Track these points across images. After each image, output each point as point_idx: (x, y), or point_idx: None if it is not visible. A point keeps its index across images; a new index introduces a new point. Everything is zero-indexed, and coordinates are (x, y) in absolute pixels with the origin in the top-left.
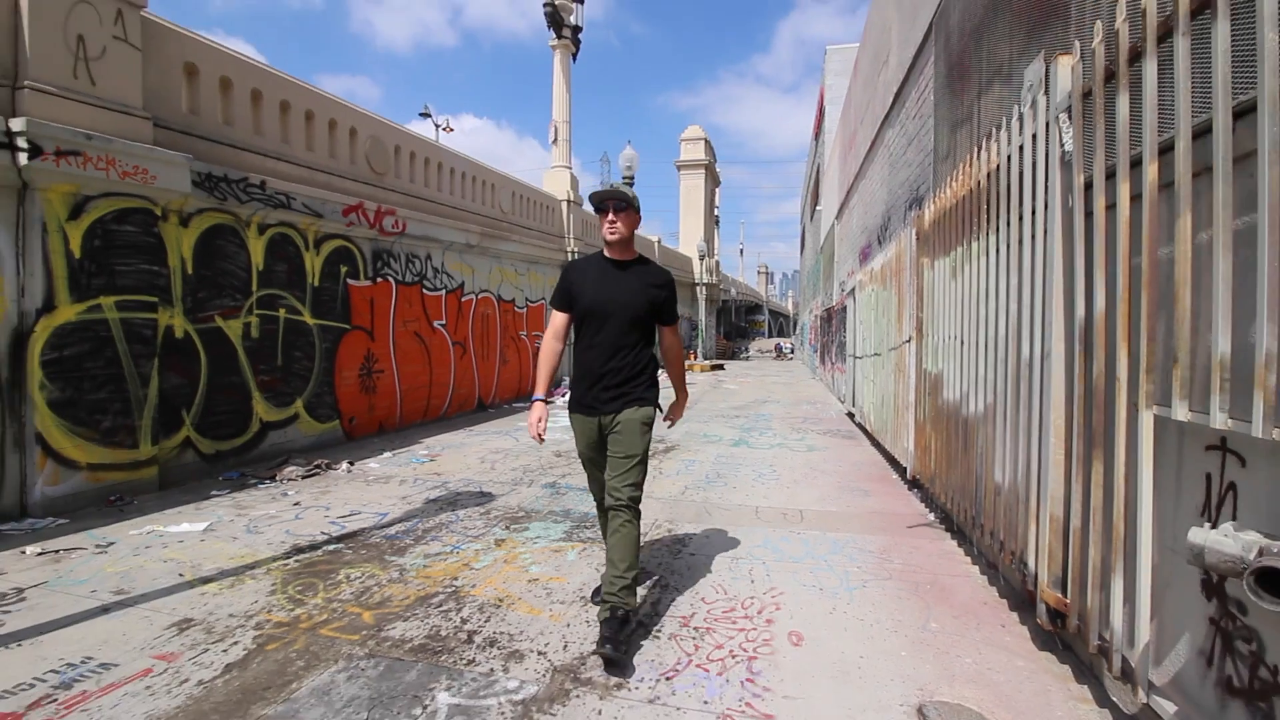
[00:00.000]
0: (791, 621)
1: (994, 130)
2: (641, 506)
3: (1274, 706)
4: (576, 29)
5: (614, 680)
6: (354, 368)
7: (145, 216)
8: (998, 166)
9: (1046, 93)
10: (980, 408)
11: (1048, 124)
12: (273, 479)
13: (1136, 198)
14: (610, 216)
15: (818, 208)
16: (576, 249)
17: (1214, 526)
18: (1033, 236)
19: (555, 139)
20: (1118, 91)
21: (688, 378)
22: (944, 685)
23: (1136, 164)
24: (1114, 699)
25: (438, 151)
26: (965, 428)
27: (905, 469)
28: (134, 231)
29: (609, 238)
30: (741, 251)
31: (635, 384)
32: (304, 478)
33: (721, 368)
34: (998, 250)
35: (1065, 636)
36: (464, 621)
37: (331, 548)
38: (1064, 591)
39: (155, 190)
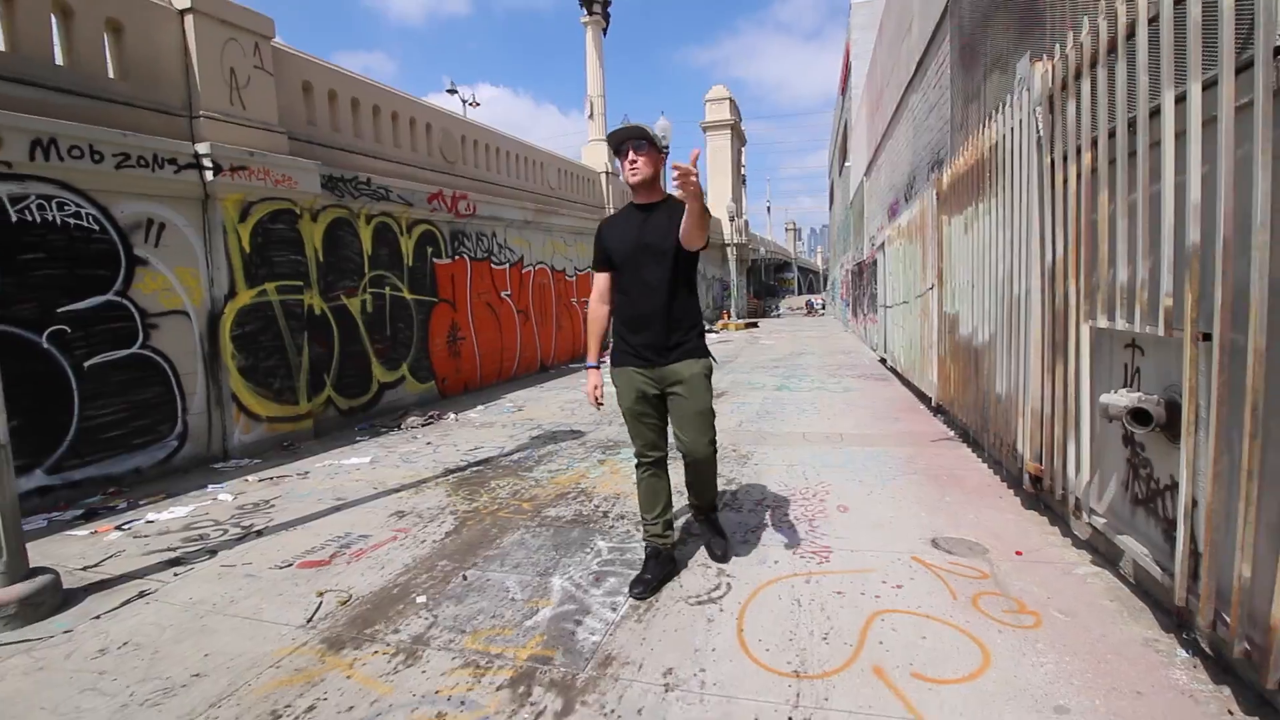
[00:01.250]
0: (838, 500)
1: (995, 111)
2: None
3: (1155, 504)
4: (606, 4)
5: (725, 601)
6: (443, 335)
7: (290, 215)
8: (996, 143)
9: (1029, 89)
10: (986, 337)
11: (1029, 113)
12: (398, 427)
13: (1079, 176)
14: (630, 156)
15: (846, 163)
16: None
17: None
18: (1020, 201)
19: (591, 113)
20: (1069, 98)
21: (724, 335)
22: (951, 529)
23: (1080, 152)
24: (1075, 533)
25: (495, 137)
26: (976, 356)
27: (930, 399)
28: (283, 228)
29: (630, 179)
30: (769, 209)
31: (687, 333)
32: (423, 425)
33: (755, 325)
34: (997, 210)
35: (1045, 498)
36: (597, 507)
37: (474, 469)
38: (1040, 462)
39: (296, 193)
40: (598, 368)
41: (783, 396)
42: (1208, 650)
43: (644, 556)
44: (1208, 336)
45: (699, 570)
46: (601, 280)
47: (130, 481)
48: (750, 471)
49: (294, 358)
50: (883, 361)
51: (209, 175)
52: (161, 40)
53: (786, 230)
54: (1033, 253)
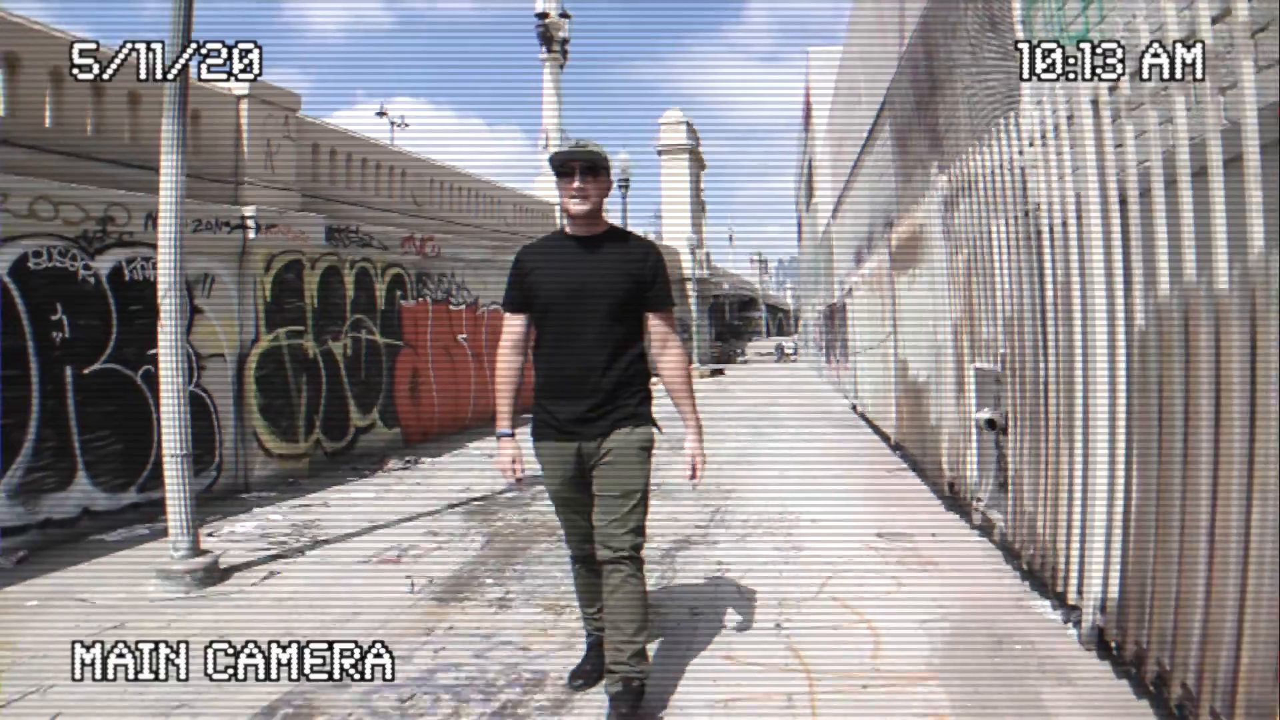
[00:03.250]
0: (814, 532)
1: (920, 197)
2: (650, 537)
3: (1007, 481)
4: (565, 42)
5: (711, 538)
6: (406, 381)
7: (298, 266)
8: (922, 224)
9: (937, 191)
10: (924, 378)
11: (938, 208)
12: (379, 470)
13: (964, 263)
14: (577, 183)
15: (814, 200)
16: None
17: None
18: (938, 272)
19: (546, 144)
20: (955, 207)
21: None
22: (891, 525)
23: (961, 246)
24: (973, 520)
25: (458, 177)
26: (918, 394)
27: (890, 437)
28: (293, 278)
29: (575, 209)
30: (731, 238)
31: (624, 396)
32: (402, 469)
33: (721, 373)
34: (925, 276)
35: (958, 501)
36: None
37: (476, 504)
38: (953, 471)
39: (307, 246)
40: (513, 435)
41: (758, 442)
42: (1024, 568)
43: (587, 645)
44: (1010, 366)
45: (700, 565)
46: (517, 324)
47: None
48: (735, 501)
49: (295, 399)
50: (854, 409)
51: (250, 234)
52: (223, 121)
53: (751, 262)
54: (944, 313)
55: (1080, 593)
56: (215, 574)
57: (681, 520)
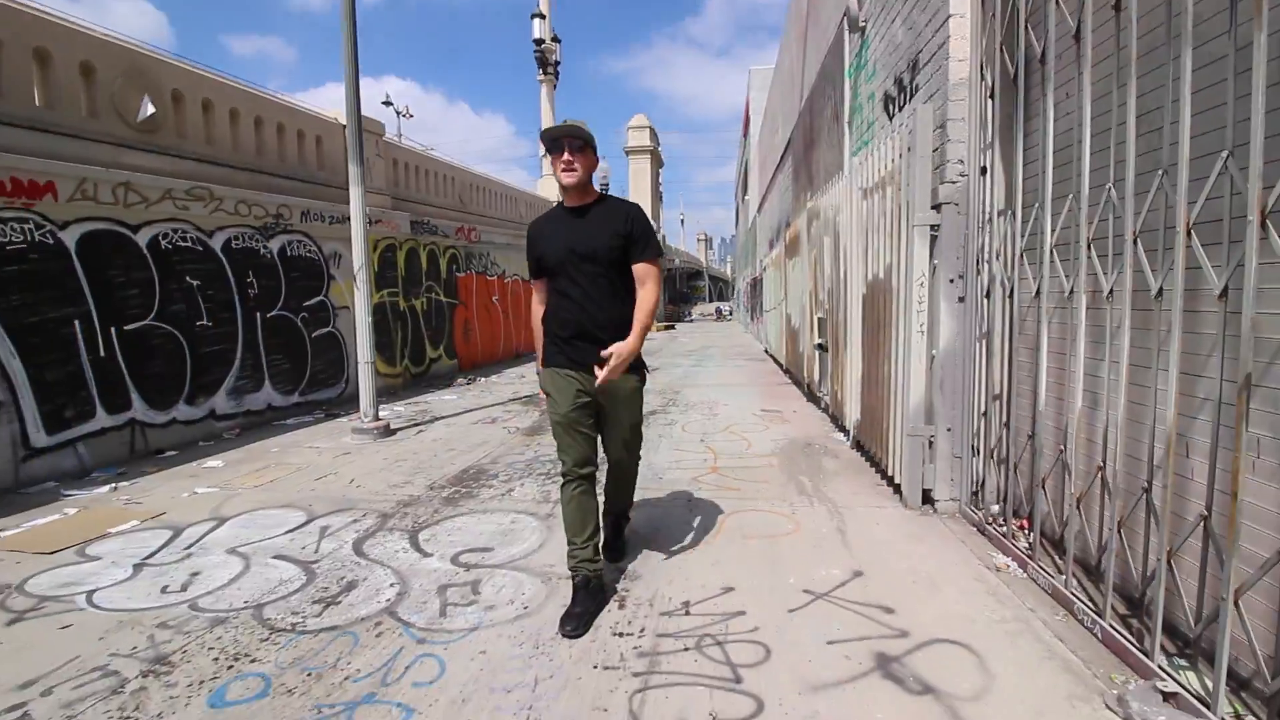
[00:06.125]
0: (726, 409)
1: (798, 213)
2: (652, 387)
3: (829, 377)
4: (557, 64)
5: (667, 411)
6: (460, 326)
7: (393, 248)
8: (800, 230)
9: (806, 213)
10: (799, 326)
11: (806, 222)
12: (450, 385)
13: (814, 259)
14: (566, 156)
15: (746, 196)
16: None
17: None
18: (806, 262)
19: (545, 153)
20: (809, 225)
21: (649, 335)
22: (771, 407)
23: (812, 248)
24: (820, 407)
25: (489, 182)
26: (796, 336)
27: (782, 365)
28: (390, 256)
29: (565, 181)
30: (682, 220)
31: (618, 339)
32: (468, 384)
33: (673, 328)
34: (801, 263)
35: (813, 395)
36: None
37: (527, 398)
38: (807, 376)
39: (398, 234)
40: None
41: (697, 369)
42: (840, 426)
43: (573, 587)
44: (829, 315)
45: (662, 422)
46: (538, 286)
47: (327, 405)
48: (679, 397)
49: (394, 337)
50: (765, 351)
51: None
52: (336, 143)
53: (698, 240)
54: (806, 285)
55: (848, 421)
56: (387, 431)
57: (651, 404)
